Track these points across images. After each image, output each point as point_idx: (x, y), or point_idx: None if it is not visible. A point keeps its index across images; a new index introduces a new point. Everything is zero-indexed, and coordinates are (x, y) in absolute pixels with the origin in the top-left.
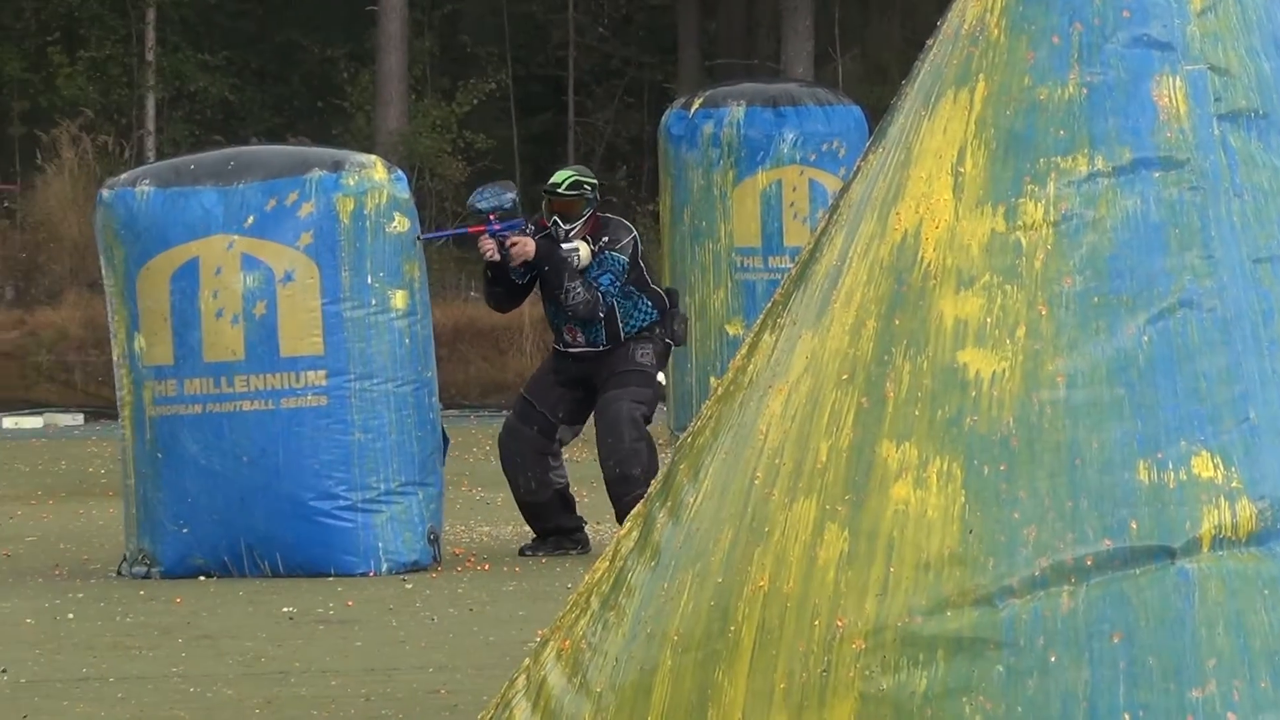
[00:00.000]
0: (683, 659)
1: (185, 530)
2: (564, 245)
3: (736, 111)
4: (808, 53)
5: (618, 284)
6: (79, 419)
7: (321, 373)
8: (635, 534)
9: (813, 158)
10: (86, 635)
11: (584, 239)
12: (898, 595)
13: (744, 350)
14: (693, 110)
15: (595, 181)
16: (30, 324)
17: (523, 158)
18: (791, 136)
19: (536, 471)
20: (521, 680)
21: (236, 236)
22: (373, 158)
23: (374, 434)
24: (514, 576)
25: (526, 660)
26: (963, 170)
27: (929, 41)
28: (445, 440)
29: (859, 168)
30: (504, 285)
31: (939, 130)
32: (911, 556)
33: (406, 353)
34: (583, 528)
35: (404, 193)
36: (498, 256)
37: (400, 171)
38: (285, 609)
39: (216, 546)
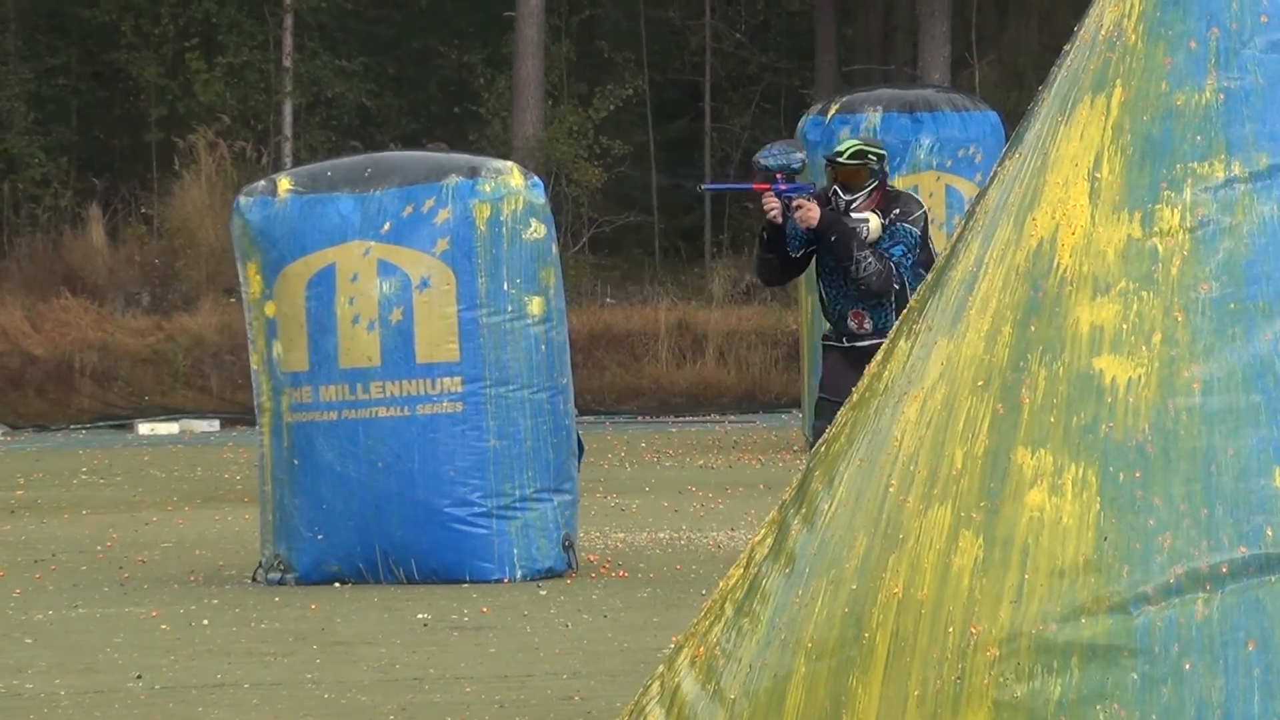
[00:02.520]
0: (817, 666)
1: (320, 537)
2: (852, 215)
3: (873, 117)
4: (944, 58)
5: (910, 257)
6: (215, 425)
7: (457, 379)
8: (770, 541)
9: (949, 164)
10: (221, 641)
11: (873, 211)
12: (1032, 602)
13: (880, 356)
14: (829, 116)
15: (883, 152)
16: (167, 330)
17: (659, 164)
18: (928, 142)
19: None
20: (655, 687)
21: (373, 243)
22: (509, 164)
23: (509, 440)
24: (648, 583)
25: (660, 667)
26: (1099, 176)
27: (1066, 47)
28: (580, 447)
29: (995, 173)
30: (778, 254)
31: (1076, 136)
32: (1046, 564)
33: (542, 359)
34: None
35: (540, 199)
36: (780, 218)
37: (537, 177)
38: (420, 615)
39: (351, 553)
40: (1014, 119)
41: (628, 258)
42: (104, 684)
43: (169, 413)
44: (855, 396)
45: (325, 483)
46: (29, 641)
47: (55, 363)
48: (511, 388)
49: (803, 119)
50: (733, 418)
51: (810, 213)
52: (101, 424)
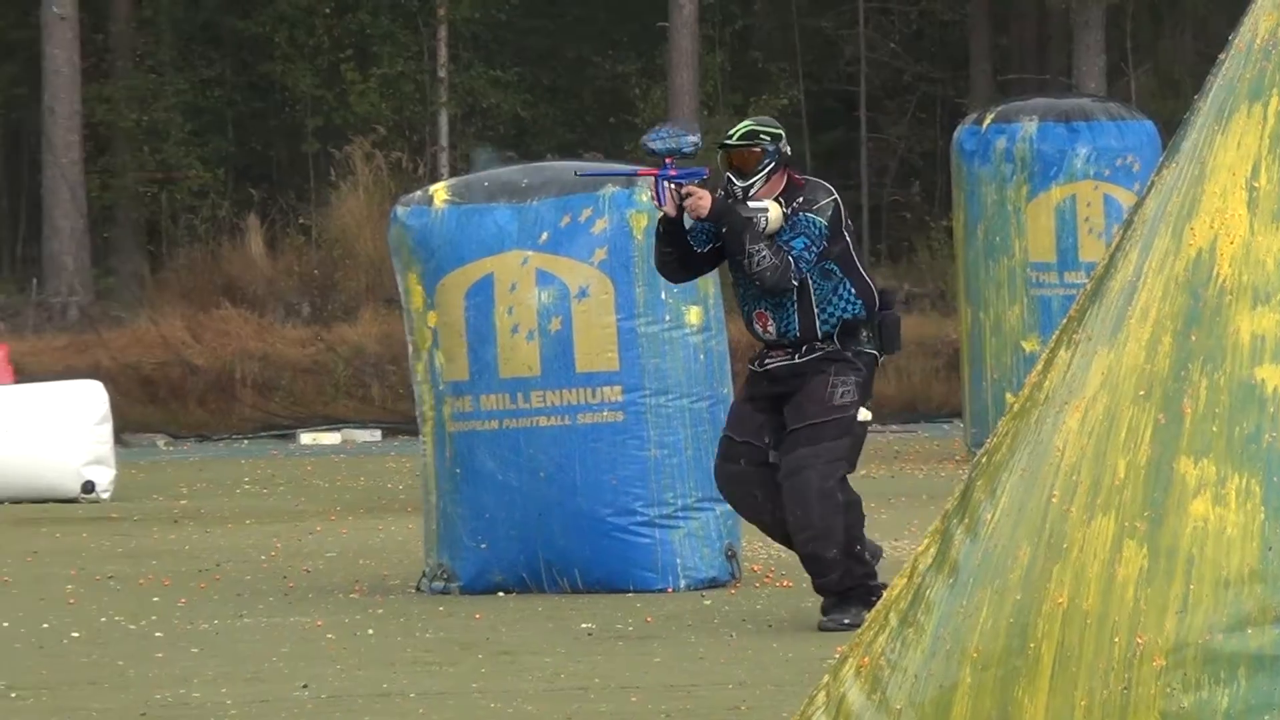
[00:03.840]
0: (982, 676)
1: (484, 546)
2: (750, 204)
3: (1029, 127)
4: (1099, 67)
5: (814, 250)
6: (376, 435)
7: (617, 388)
8: (933, 551)
9: (1107, 173)
10: (386, 651)
11: (777, 200)
12: (1198, 613)
13: (1040, 366)
14: (985, 125)
15: (779, 132)
16: (327, 340)
17: (814, 173)
18: (1085, 151)
19: (776, 504)
20: (821, 697)
21: (531, 252)
22: None
23: (670, 450)
24: (812, 593)
25: (825, 677)
26: (1257, 185)
27: (1221, 56)
28: None
29: (1152, 183)
30: (678, 248)
31: (1233, 145)
32: (1211, 574)
33: (701, 368)
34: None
35: None
36: (672, 210)
37: None
38: (584, 625)
39: (515, 562)
40: (1170, 128)
41: None
42: (270, 693)
43: (331, 422)
44: (1016, 406)
45: (487, 492)
46: (195, 651)
47: (216, 373)
48: (671, 397)
49: (958, 129)
50: (894, 427)
51: (701, 201)
52: (264, 434)
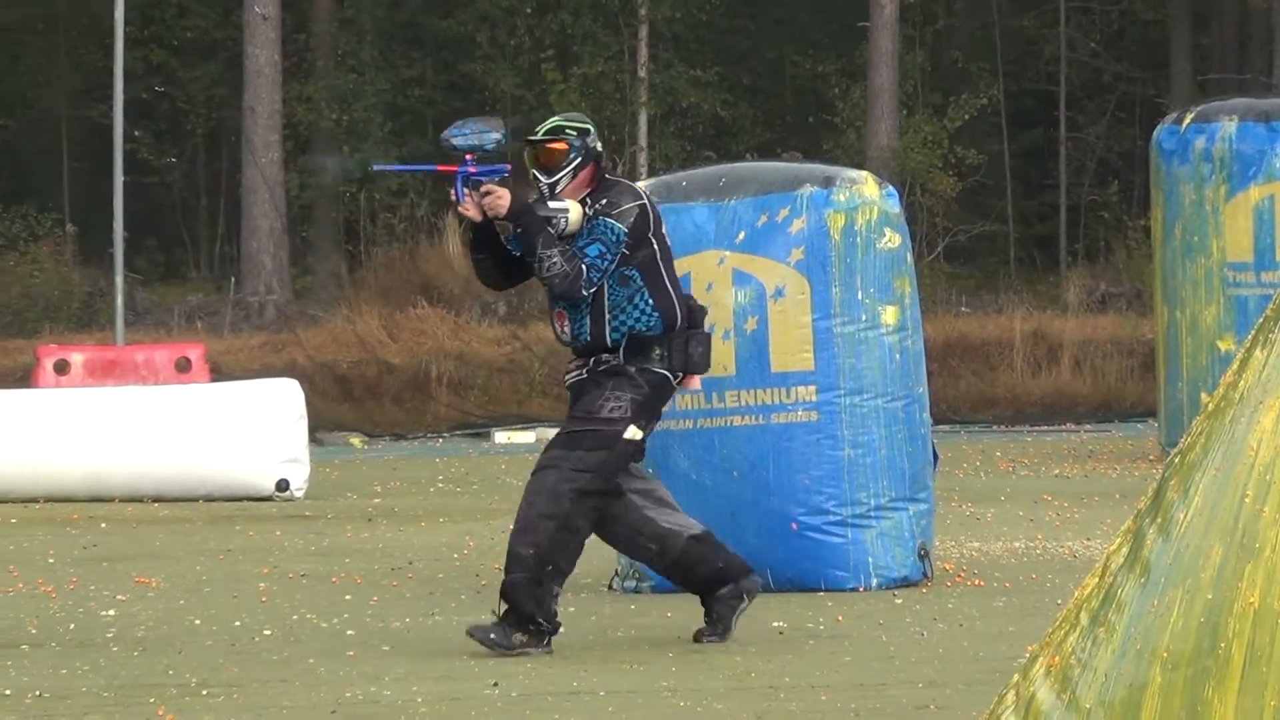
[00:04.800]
0: (1172, 676)
1: None
2: (550, 204)
3: (1228, 126)
4: None
5: (609, 259)
6: None
7: (812, 388)
8: (1125, 550)
9: None
10: (578, 649)
11: (583, 200)
12: None
13: (1235, 366)
14: (1184, 125)
15: (587, 127)
16: (523, 339)
17: (1013, 173)
18: None
19: (632, 527)
20: (1011, 696)
21: (728, 252)
22: (864, 173)
23: (864, 449)
24: (1004, 592)
25: (1016, 676)
26: None
27: None
28: (935, 456)
29: None
30: (491, 254)
31: None
32: None
33: (897, 368)
34: (749, 572)
35: (895, 208)
36: (474, 211)
37: (891, 187)
38: (775, 623)
39: None
40: None
41: (982, 267)
42: (460, 691)
43: (525, 421)
44: (1210, 405)
45: (681, 491)
46: (386, 649)
47: (412, 372)
48: (866, 396)
49: (1157, 128)
50: (1088, 427)
51: (500, 200)
52: (458, 432)
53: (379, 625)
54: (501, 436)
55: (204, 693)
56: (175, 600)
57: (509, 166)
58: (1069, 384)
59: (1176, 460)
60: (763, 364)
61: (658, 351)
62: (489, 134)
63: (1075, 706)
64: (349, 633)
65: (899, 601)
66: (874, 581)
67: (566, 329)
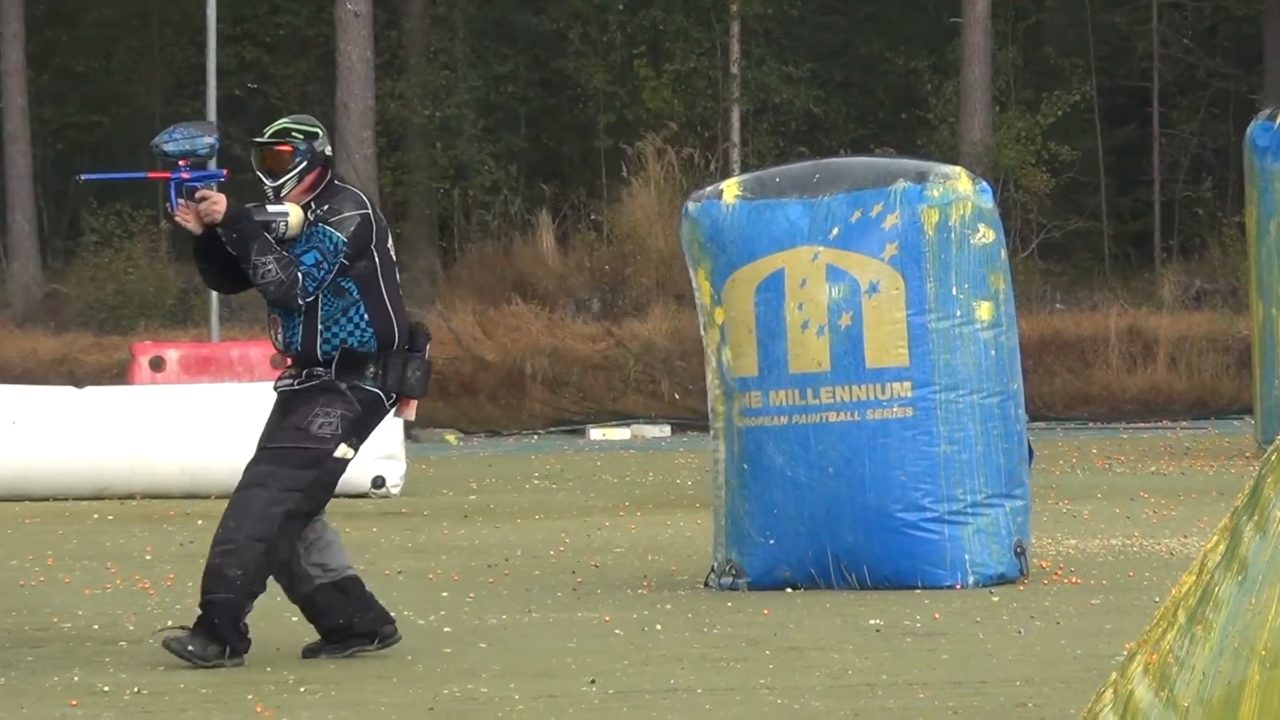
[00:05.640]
0: (1271, 674)
1: (772, 542)
2: (269, 208)
3: None
4: None
5: (326, 268)
6: (666, 430)
7: (907, 384)
8: (1222, 548)
9: None
10: (675, 647)
11: (307, 205)
12: None
13: None
14: (1278, 121)
15: (316, 130)
16: (617, 336)
17: (1107, 169)
18: None
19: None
20: (1109, 694)
21: (821, 248)
22: (957, 169)
23: (960, 446)
24: (1101, 590)
25: (1114, 674)
26: None
27: None
28: (1031, 453)
29: None
30: (215, 261)
31: None
32: None
33: (992, 364)
34: (389, 621)
35: (989, 204)
36: (192, 222)
37: (985, 183)
38: (872, 621)
39: (803, 558)
40: None
41: (1077, 263)
42: (557, 688)
43: (620, 418)
44: None
45: (776, 488)
46: (483, 646)
47: (507, 368)
48: (961, 393)
49: (1250, 125)
50: (1184, 424)
51: (215, 206)
52: (553, 429)
53: (476, 622)
54: (596, 433)
55: (301, 689)
56: (272, 597)
57: (225, 172)
58: (1164, 380)
59: (1273, 458)
60: (857, 360)
61: (371, 369)
62: (201, 138)
63: (1173, 704)
64: (446, 629)
65: (996, 599)
66: (971, 579)
67: (280, 337)
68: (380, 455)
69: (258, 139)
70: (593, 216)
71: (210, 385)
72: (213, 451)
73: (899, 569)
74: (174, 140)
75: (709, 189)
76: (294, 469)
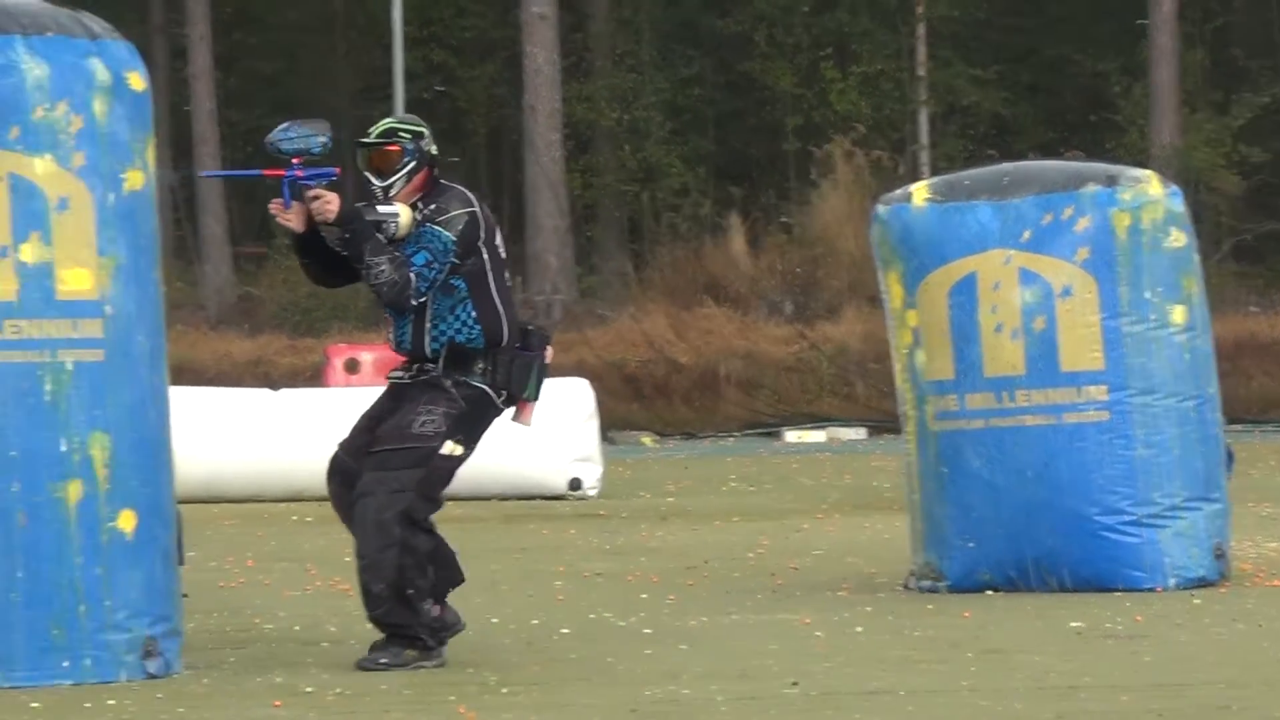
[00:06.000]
0: None
1: (971, 545)
2: (380, 208)
3: None
4: None
5: (437, 268)
6: (861, 433)
7: (1102, 388)
8: None
9: None
10: (875, 648)
11: (415, 205)
12: None
13: None
14: None
15: (422, 130)
16: (810, 338)
17: None
18: None
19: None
20: None
21: (1013, 251)
22: (1147, 172)
23: (1156, 449)
24: None
25: None
26: None
27: None
28: (1230, 456)
29: None
30: (317, 255)
31: None
32: None
33: (1187, 368)
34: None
35: (1179, 207)
36: (295, 221)
37: (1175, 186)
38: (1073, 624)
39: (1002, 561)
40: None
41: (1272, 265)
42: (759, 690)
43: (815, 420)
44: None
45: (974, 491)
46: (684, 647)
47: (700, 371)
48: (1157, 396)
49: None
50: None
51: (328, 205)
52: (749, 432)
53: (676, 624)
54: (792, 435)
55: (503, 691)
56: (472, 599)
57: (337, 170)
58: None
59: None
60: (1052, 363)
61: (480, 365)
62: (315, 137)
63: None
64: (646, 631)
65: (1197, 602)
66: (1171, 581)
67: (391, 335)
68: (577, 458)
69: (364, 139)
70: (782, 219)
71: None
72: None
73: (1099, 572)
74: (289, 138)
75: (898, 192)
76: (399, 470)
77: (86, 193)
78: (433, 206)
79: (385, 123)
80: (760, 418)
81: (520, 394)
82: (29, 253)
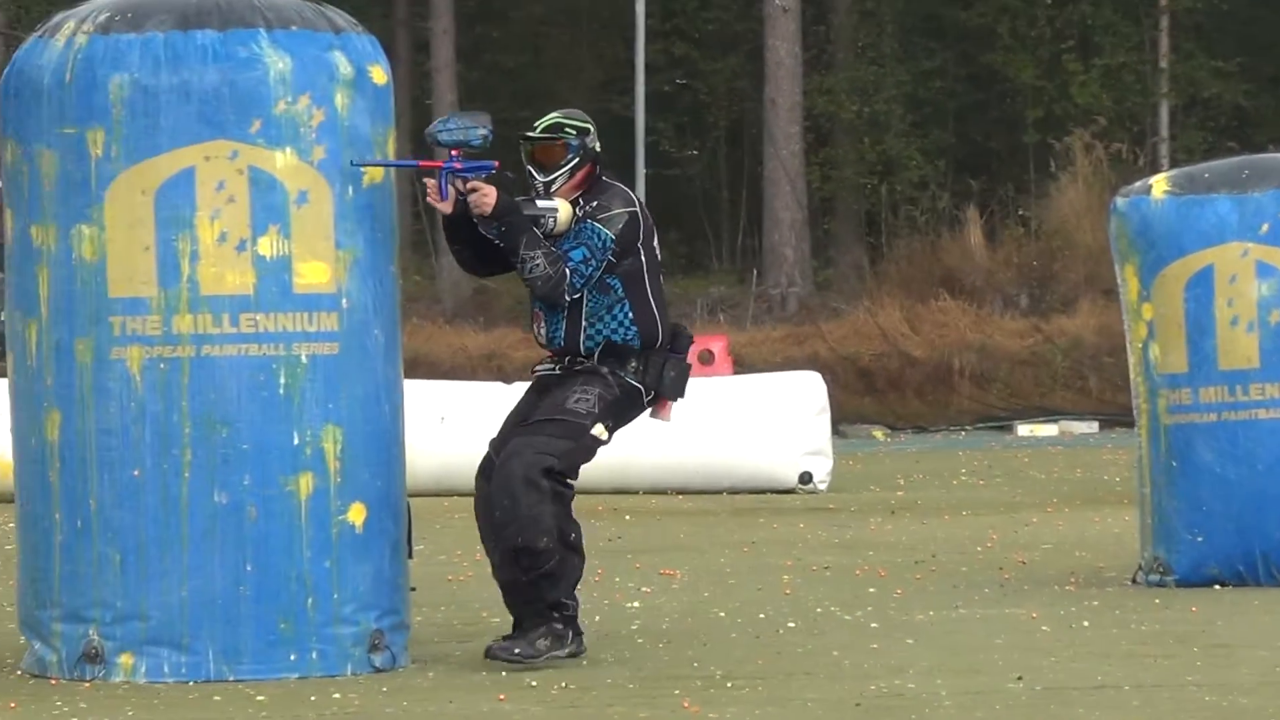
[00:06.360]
0: None
1: (1200, 539)
2: (539, 203)
3: None
4: None
5: (594, 265)
6: (1094, 426)
7: None
8: None
9: None
10: (1101, 643)
11: (575, 201)
12: None
13: None
14: None
15: (588, 126)
16: (1045, 331)
17: None
18: None
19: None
20: None
21: (1251, 244)
22: None
23: None
24: None
25: None
26: None
27: None
28: None
29: None
30: (469, 243)
31: None
32: None
33: None
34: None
35: None
36: (441, 202)
37: None
38: None
39: (1231, 555)
40: None
41: None
42: (984, 685)
43: (1048, 414)
44: None
45: (1204, 485)
46: (910, 642)
47: (934, 364)
48: None
49: None
50: None
51: (485, 198)
52: (980, 425)
53: (903, 618)
54: (1024, 429)
55: (728, 685)
56: (700, 593)
57: (496, 163)
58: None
59: None
60: None
61: (633, 364)
62: (475, 130)
63: None
64: (873, 625)
65: None
66: None
67: (542, 331)
68: (807, 451)
69: (529, 133)
70: (1020, 212)
71: None
72: (641, 447)
73: None
74: (448, 130)
75: (1137, 184)
76: (550, 437)
77: (326, 186)
78: (594, 204)
79: (551, 117)
80: (992, 411)
81: (673, 397)
82: (267, 246)
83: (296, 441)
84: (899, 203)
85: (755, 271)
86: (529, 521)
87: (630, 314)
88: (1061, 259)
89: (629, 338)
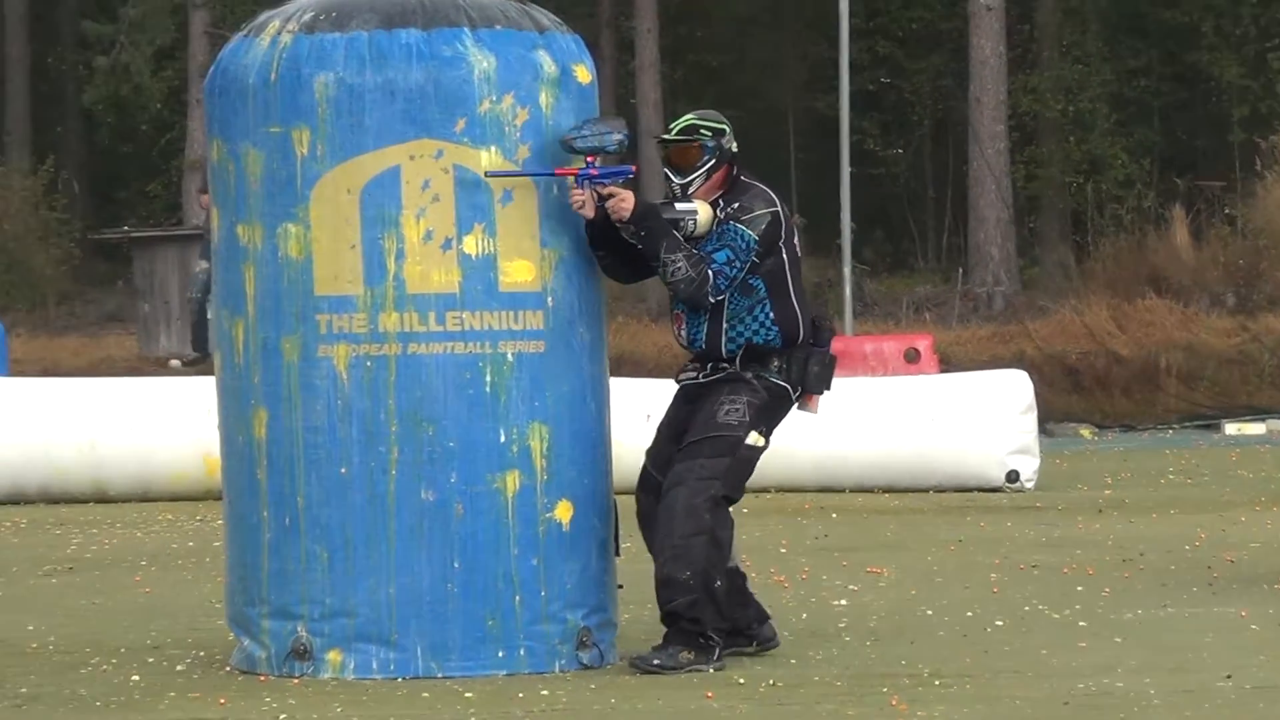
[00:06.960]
0: None
1: None
2: (678, 205)
3: None
4: None
5: (738, 266)
6: None
7: None
8: None
9: None
10: None
11: (714, 202)
12: None
13: None
14: None
15: (723, 127)
16: (1252, 330)
17: None
18: None
19: None
20: None
21: None
22: None
23: None
24: None
25: None
26: None
27: None
28: None
29: None
30: (612, 250)
31: None
32: None
33: None
34: (765, 620)
35: None
36: (591, 212)
37: None
38: None
39: None
40: None
41: None
42: (1193, 683)
43: (1255, 413)
44: None
45: None
46: (1118, 640)
47: (1141, 363)
48: None
49: None
50: None
51: (623, 203)
52: (1188, 424)
53: (1111, 617)
54: (1232, 428)
55: (936, 683)
56: (907, 590)
57: (633, 168)
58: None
59: None
60: None
61: (776, 363)
62: (610, 135)
63: None
64: (1081, 624)
65: None
66: None
67: (683, 333)
68: (1014, 450)
69: (664, 136)
70: (1227, 210)
71: (845, 379)
72: (848, 445)
73: None
74: (583, 137)
75: None
76: (707, 458)
77: (531, 185)
78: (736, 205)
79: (686, 119)
80: (1199, 410)
81: (819, 391)
82: (472, 244)
83: (503, 439)
84: (1104, 201)
85: (960, 270)
86: (680, 552)
87: (771, 314)
88: (1268, 257)
89: (770, 338)
